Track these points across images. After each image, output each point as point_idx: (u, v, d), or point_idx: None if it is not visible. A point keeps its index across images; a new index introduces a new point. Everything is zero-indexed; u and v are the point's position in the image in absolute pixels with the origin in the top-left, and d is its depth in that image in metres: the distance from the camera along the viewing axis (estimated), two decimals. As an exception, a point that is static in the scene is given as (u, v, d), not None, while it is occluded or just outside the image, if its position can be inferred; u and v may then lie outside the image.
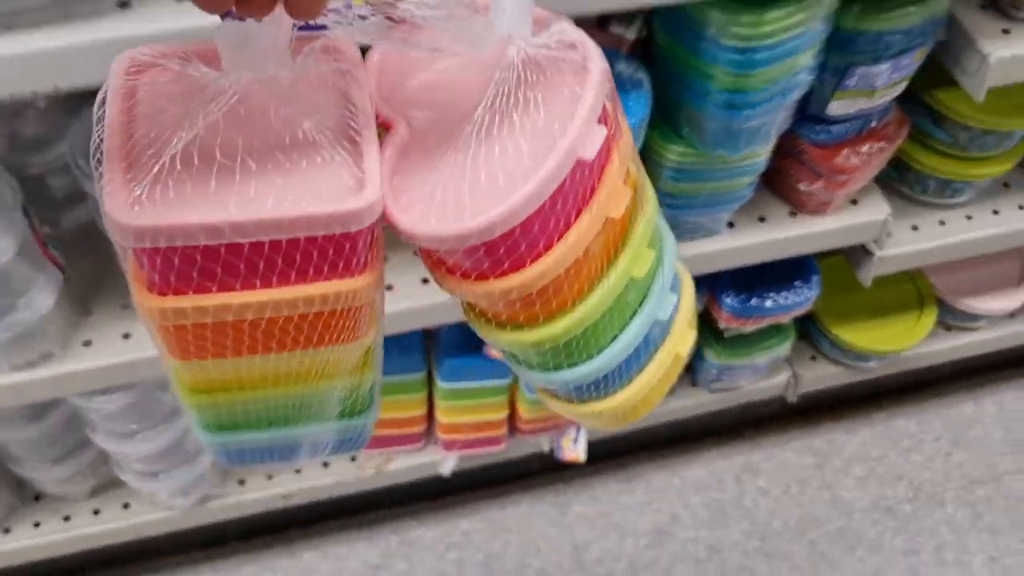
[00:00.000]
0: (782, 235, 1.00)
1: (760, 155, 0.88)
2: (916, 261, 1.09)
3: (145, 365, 0.90)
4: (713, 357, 1.18)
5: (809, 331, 1.29)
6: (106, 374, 0.89)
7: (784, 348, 1.21)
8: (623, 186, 0.42)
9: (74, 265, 0.88)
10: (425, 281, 0.93)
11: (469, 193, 0.38)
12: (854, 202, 1.02)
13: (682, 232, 0.96)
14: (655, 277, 0.46)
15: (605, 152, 0.40)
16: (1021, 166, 1.12)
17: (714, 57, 0.75)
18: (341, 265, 0.39)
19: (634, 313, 0.46)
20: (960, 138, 1.01)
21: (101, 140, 0.37)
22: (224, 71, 0.37)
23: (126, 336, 0.90)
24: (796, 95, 0.82)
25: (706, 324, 1.15)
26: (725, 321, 1.10)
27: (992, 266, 1.30)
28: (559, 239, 0.39)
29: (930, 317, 1.27)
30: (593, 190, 0.40)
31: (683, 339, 0.50)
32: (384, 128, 0.41)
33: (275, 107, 0.38)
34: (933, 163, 1.04)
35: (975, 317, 1.31)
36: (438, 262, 0.41)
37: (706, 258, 0.99)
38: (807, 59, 0.78)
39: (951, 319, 1.32)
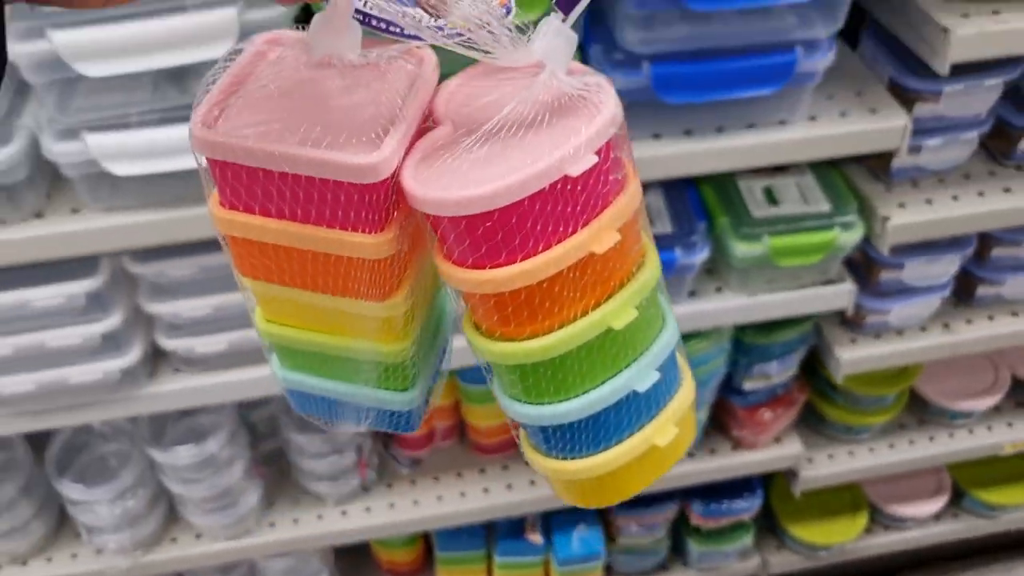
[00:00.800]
0: (728, 462, 1.47)
1: (700, 415, 1.38)
2: (832, 481, 1.55)
3: (303, 539, 1.40)
4: (694, 545, 1.63)
5: (772, 526, 1.73)
6: (283, 545, 1.40)
7: (748, 540, 1.65)
8: (614, 232, 0.44)
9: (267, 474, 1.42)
10: (486, 491, 1.43)
11: (465, 179, 0.42)
12: (778, 440, 1.50)
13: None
14: (641, 348, 0.48)
15: (604, 192, 0.44)
16: (908, 412, 1.58)
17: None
18: (355, 217, 0.45)
19: (612, 375, 0.48)
20: (852, 398, 1.48)
21: (213, 81, 0.46)
22: (310, 50, 0.46)
23: (295, 521, 1.41)
24: (715, 383, 1.32)
25: (686, 522, 1.61)
26: (697, 521, 1.56)
27: (913, 480, 1.73)
28: (541, 251, 0.43)
29: (862, 519, 1.70)
30: (584, 223, 0.44)
31: (663, 431, 0.51)
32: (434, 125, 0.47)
33: (337, 81, 0.46)
34: (836, 414, 1.51)
35: (902, 519, 1.73)
36: (439, 247, 0.46)
37: (677, 477, 1.46)
38: (718, 364, 1.29)
39: (883, 520, 1.74)
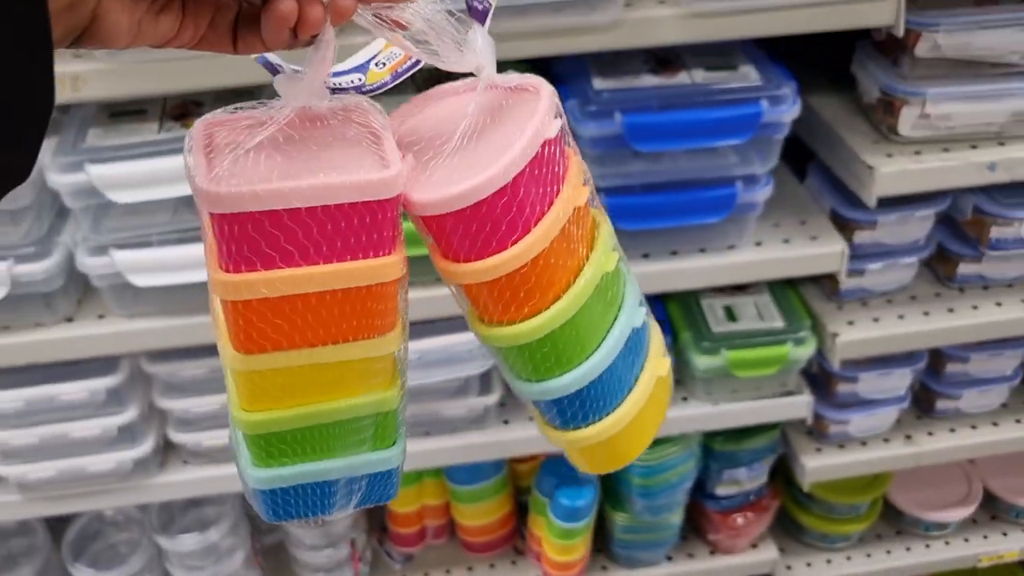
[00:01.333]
0: (705, 567, 1.53)
1: (674, 518, 1.45)
2: (810, 588, 1.60)
3: (302, 631, 1.48)
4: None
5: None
6: (278, 635, 1.48)
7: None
8: (583, 187, 0.51)
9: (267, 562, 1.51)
10: None
11: (460, 177, 0.47)
12: (755, 546, 1.56)
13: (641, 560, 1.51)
14: (621, 292, 0.54)
15: (563, 159, 0.50)
16: (884, 521, 1.63)
17: (629, 470, 1.36)
18: (367, 241, 0.47)
19: (609, 328, 0.53)
20: (825, 505, 1.55)
21: (189, 151, 0.47)
22: (281, 102, 0.48)
23: (292, 612, 1.50)
24: (687, 485, 1.41)
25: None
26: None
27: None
28: (533, 226, 0.48)
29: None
30: (558, 190, 0.49)
31: (661, 364, 0.57)
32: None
33: (315, 125, 0.49)
34: (812, 522, 1.57)
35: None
36: (438, 249, 0.50)
37: (657, 579, 1.53)
38: (688, 468, 1.38)
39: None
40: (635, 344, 0.55)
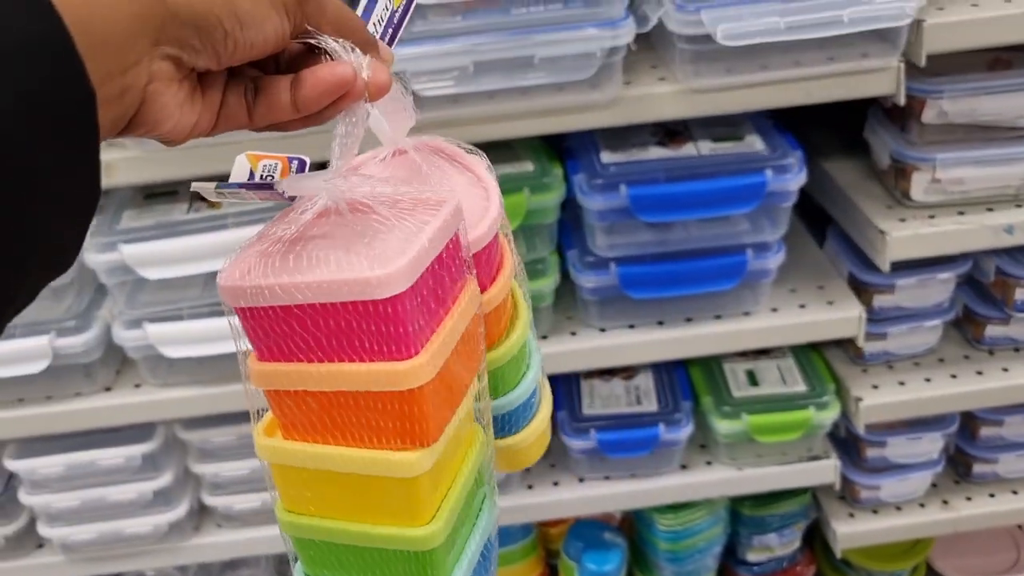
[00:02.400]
0: (741, 633, 1.51)
1: (705, 584, 1.44)
2: (851, 656, 1.56)
3: None
4: None
5: None
6: None
7: None
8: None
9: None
10: None
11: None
12: (791, 613, 1.53)
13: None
14: (534, 346, 0.63)
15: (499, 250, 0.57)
16: (930, 590, 1.59)
17: (656, 535, 1.36)
18: (384, 343, 0.45)
19: (527, 366, 0.61)
20: (864, 572, 1.51)
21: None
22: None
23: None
24: (716, 550, 1.39)
25: None
26: None
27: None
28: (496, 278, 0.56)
29: None
30: (500, 266, 0.57)
31: (548, 403, 0.65)
32: None
33: (328, 225, 0.48)
34: (851, 588, 1.54)
35: None
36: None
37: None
38: (715, 533, 1.37)
39: None
40: (534, 391, 0.63)
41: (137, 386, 1.18)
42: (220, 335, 1.12)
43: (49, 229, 0.37)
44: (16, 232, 0.36)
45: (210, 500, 1.27)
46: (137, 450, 1.20)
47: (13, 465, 1.19)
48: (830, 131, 1.33)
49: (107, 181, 1.03)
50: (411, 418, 0.47)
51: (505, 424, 0.61)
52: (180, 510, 1.25)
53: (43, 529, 1.24)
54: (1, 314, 0.38)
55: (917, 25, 0.98)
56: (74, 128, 0.37)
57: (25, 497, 1.22)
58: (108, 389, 1.18)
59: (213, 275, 1.13)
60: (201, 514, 1.31)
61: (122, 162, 1.02)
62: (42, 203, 0.36)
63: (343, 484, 0.49)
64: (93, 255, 1.07)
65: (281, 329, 0.47)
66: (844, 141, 1.29)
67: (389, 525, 0.49)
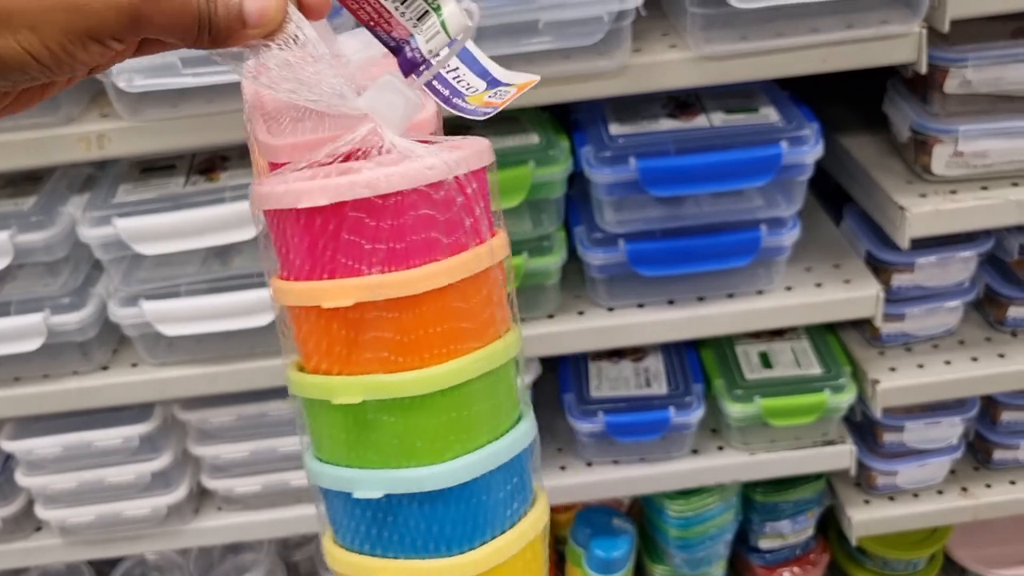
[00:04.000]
0: (753, 622, 1.48)
1: (716, 571, 1.41)
2: (866, 647, 1.52)
3: None
4: None
5: None
6: None
7: None
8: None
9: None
10: None
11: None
12: (805, 602, 1.49)
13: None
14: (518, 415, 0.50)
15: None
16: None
17: (666, 521, 1.32)
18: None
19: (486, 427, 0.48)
20: (880, 561, 1.48)
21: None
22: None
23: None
24: (728, 537, 1.36)
25: None
26: None
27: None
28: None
29: None
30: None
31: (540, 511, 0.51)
32: None
33: None
34: (867, 578, 1.50)
35: None
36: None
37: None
38: (727, 519, 1.34)
39: None
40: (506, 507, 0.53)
41: (134, 365, 1.16)
42: (219, 312, 1.09)
43: None
44: None
45: (210, 483, 1.24)
46: (135, 431, 1.17)
47: (9, 446, 1.17)
48: (849, 106, 1.28)
49: (100, 153, 1.00)
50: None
51: (419, 533, 0.47)
52: (179, 492, 1.22)
53: (41, 511, 1.22)
54: None
55: (940, -11, 0.94)
56: None
57: (22, 479, 1.19)
58: (105, 368, 1.16)
59: (212, 250, 1.11)
60: (201, 497, 1.29)
61: (115, 132, 0.99)
62: None
63: None
64: (87, 230, 1.04)
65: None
66: (863, 117, 1.25)
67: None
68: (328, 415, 0.48)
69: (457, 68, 0.50)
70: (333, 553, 0.50)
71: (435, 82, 0.49)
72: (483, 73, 0.50)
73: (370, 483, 0.47)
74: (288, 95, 0.46)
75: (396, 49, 0.47)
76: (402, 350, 0.46)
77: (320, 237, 0.45)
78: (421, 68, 0.47)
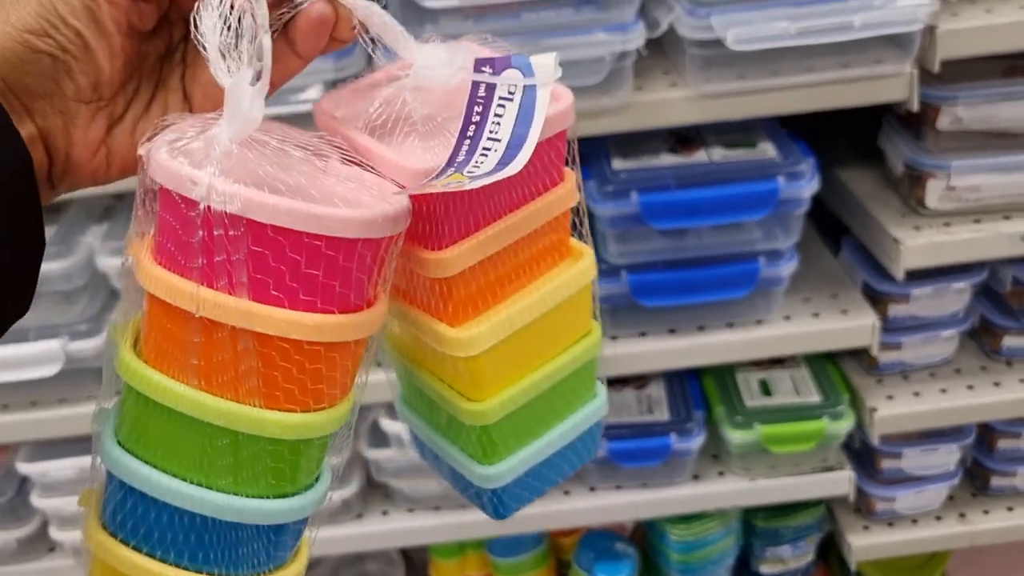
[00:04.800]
0: (754, 647, 1.49)
1: (719, 595, 1.43)
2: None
3: None
4: None
5: None
6: None
7: None
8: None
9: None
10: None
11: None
12: (806, 627, 1.51)
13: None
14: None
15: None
16: (947, 606, 1.56)
17: (668, 546, 1.34)
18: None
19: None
20: (880, 586, 1.50)
21: None
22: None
23: None
24: (729, 562, 1.38)
25: None
26: None
27: None
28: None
29: None
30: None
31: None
32: None
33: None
34: (867, 603, 1.52)
35: None
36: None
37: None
38: (727, 544, 1.36)
39: None
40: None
41: (149, 390, 1.19)
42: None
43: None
44: None
45: (221, 506, 1.27)
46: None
47: (26, 468, 1.20)
48: (846, 141, 1.32)
49: (120, 185, 1.03)
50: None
51: None
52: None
53: (55, 533, 1.24)
54: None
55: (930, 31, 0.98)
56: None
57: (37, 500, 1.22)
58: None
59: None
60: (212, 520, 1.32)
61: (135, 166, 1.02)
62: None
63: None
64: (105, 259, 1.08)
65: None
66: (860, 151, 1.28)
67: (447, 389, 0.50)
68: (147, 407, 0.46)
69: (498, 142, 0.44)
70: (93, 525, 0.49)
71: (466, 144, 0.44)
72: (513, 153, 0.44)
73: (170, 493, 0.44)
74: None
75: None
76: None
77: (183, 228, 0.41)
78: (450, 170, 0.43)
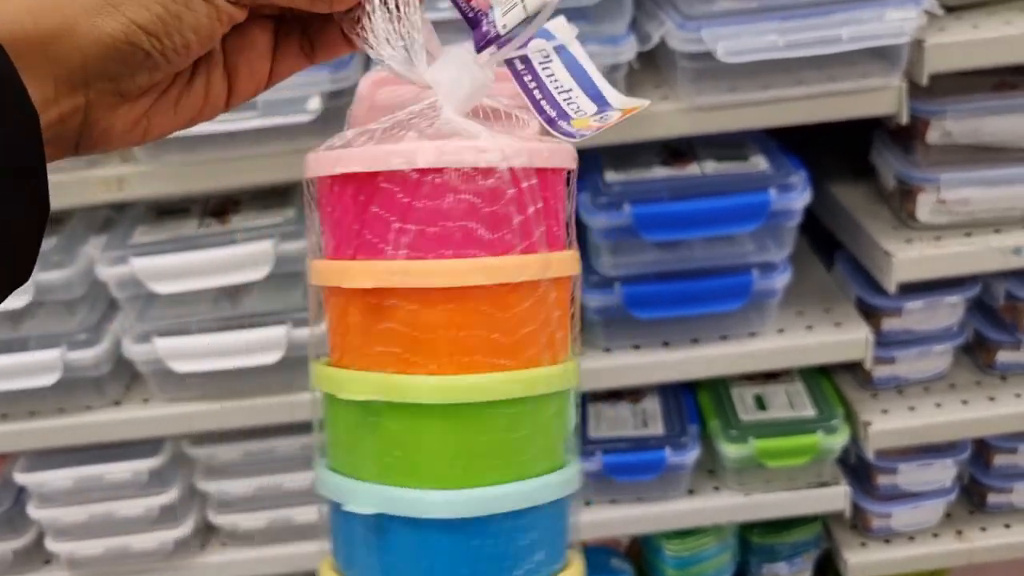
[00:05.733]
0: (752, 666, 1.48)
1: (715, 613, 1.42)
2: None
3: None
4: None
5: None
6: None
7: None
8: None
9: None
10: None
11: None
12: (804, 646, 1.50)
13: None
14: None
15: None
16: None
17: (663, 561, 1.34)
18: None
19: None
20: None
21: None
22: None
23: None
24: (726, 579, 1.38)
25: None
26: None
27: None
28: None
29: None
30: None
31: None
32: None
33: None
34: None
35: None
36: None
37: None
38: (723, 560, 1.35)
39: None
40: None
41: (146, 401, 1.20)
42: (228, 350, 1.13)
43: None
44: None
45: (216, 518, 1.27)
46: (144, 465, 1.21)
47: (23, 478, 1.20)
48: (840, 156, 1.33)
49: (120, 195, 1.05)
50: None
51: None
52: (186, 527, 1.25)
53: (51, 544, 1.25)
54: None
55: (918, 45, 0.99)
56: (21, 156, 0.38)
57: (34, 511, 1.22)
58: (117, 403, 1.20)
59: (222, 290, 1.15)
60: (207, 532, 1.32)
61: (135, 176, 1.04)
62: None
63: None
64: (105, 268, 1.09)
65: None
66: (853, 166, 1.30)
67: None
68: (335, 414, 0.44)
69: (571, 90, 0.46)
70: (323, 572, 0.46)
71: (544, 102, 0.46)
72: (597, 96, 0.47)
73: (363, 497, 0.41)
74: (367, 48, 0.44)
75: (473, 21, 0.45)
76: (416, 348, 0.41)
77: (349, 210, 0.41)
78: (494, 45, 0.44)
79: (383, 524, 0.41)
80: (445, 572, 0.41)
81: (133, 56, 0.41)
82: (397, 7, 0.43)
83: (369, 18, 0.43)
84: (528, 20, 0.43)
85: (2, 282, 0.40)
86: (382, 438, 0.42)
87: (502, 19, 0.43)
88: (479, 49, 0.44)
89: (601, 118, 0.47)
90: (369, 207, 0.41)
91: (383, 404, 0.41)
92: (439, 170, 0.40)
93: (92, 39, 0.40)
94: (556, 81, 0.46)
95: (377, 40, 0.43)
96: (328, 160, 0.43)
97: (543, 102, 0.46)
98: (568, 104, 0.46)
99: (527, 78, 0.46)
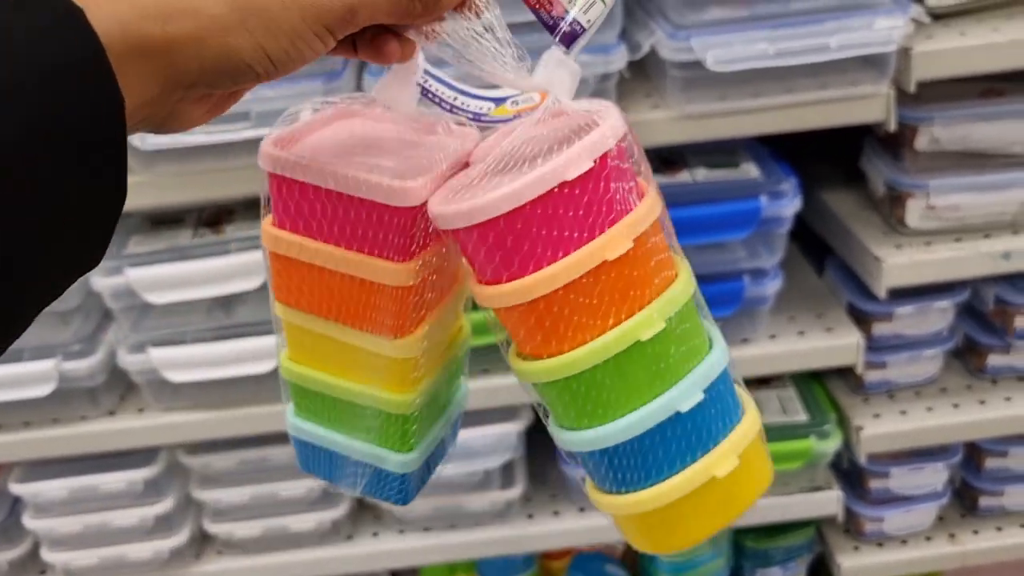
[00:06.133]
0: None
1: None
2: None
3: None
4: None
5: None
6: None
7: None
8: (627, 240, 0.46)
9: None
10: None
11: (478, 195, 0.46)
12: (799, 650, 1.50)
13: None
14: (684, 370, 0.48)
15: (610, 199, 0.46)
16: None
17: (658, 567, 1.35)
18: (384, 243, 0.50)
19: (653, 397, 0.47)
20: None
21: (293, 119, 0.54)
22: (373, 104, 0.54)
23: None
24: (720, 584, 1.38)
25: None
26: None
27: None
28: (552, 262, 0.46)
29: None
30: (597, 233, 0.46)
31: (723, 462, 0.49)
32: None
33: (393, 130, 0.55)
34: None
35: None
36: (472, 274, 0.50)
37: None
38: (717, 565, 1.36)
39: None
40: (681, 431, 0.49)
41: (141, 411, 1.20)
42: (222, 360, 1.13)
43: (75, 238, 0.40)
44: (38, 244, 0.38)
45: (211, 527, 1.27)
46: (139, 475, 1.21)
47: (18, 488, 1.21)
48: (831, 163, 1.34)
49: (114, 206, 1.05)
50: (396, 312, 0.53)
51: (628, 469, 0.49)
52: (181, 536, 1.25)
53: (46, 554, 1.25)
54: (26, 317, 0.40)
55: (905, 53, 1.00)
56: (103, 139, 0.39)
57: (29, 521, 1.23)
58: (112, 413, 1.20)
59: (216, 301, 1.15)
60: (202, 542, 1.32)
61: (129, 187, 1.04)
62: (69, 215, 0.39)
63: (341, 348, 0.56)
64: (99, 279, 1.09)
65: (302, 203, 0.52)
66: (843, 173, 1.30)
67: (375, 386, 0.56)
68: (599, 376, 0.48)
69: (456, 97, 0.55)
70: (597, 498, 0.52)
71: (459, 111, 0.55)
72: (476, 96, 0.56)
73: (636, 422, 0.48)
74: (468, 66, 0.49)
75: (552, 27, 0.50)
76: (595, 313, 0.47)
77: (517, 231, 0.47)
78: (581, 38, 0.49)
79: (643, 436, 0.49)
80: (690, 445, 0.49)
81: (244, 74, 0.43)
82: (487, 9, 0.49)
83: (477, 38, 0.49)
84: (605, 9, 0.50)
85: (76, 263, 0.41)
86: (638, 369, 0.48)
87: (584, 16, 0.49)
88: (568, 45, 0.49)
89: (514, 103, 0.55)
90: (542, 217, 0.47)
91: (633, 347, 0.48)
92: (603, 157, 0.46)
93: (216, 53, 0.42)
94: (449, 94, 0.55)
95: (482, 54, 0.49)
96: (497, 200, 0.46)
97: (459, 110, 0.55)
98: (468, 108, 0.55)
99: (438, 98, 0.55)
